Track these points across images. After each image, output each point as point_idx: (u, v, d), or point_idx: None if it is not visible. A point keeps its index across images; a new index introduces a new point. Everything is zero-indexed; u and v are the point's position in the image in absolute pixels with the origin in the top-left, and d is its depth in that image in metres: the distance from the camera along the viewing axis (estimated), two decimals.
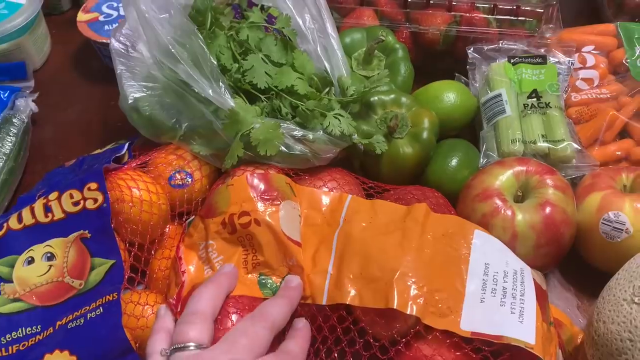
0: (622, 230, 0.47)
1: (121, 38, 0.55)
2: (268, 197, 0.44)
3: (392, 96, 0.56)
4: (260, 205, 0.44)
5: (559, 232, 0.47)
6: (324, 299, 0.42)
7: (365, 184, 0.52)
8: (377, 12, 0.66)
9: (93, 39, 0.67)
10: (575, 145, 0.54)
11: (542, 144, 0.54)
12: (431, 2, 0.63)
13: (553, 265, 0.50)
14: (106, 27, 0.67)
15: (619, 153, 0.57)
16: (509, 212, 0.47)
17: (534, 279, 0.44)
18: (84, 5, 0.70)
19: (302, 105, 0.51)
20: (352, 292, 0.41)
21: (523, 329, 0.39)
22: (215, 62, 0.50)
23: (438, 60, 0.67)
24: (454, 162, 0.55)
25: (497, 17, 0.63)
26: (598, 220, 0.48)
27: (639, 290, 0.38)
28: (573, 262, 0.52)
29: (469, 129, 0.62)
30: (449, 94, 0.60)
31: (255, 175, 0.45)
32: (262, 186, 0.45)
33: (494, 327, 0.39)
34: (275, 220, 0.43)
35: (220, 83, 0.49)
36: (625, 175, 0.51)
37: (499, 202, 0.48)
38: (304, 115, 0.51)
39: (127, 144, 0.52)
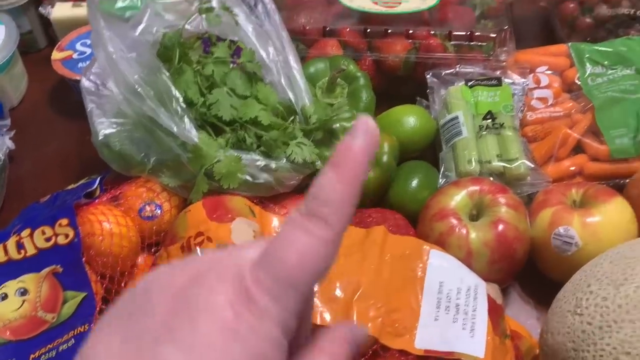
0: (572, 243, 0.49)
1: (91, 77, 0.58)
2: (222, 217, 0.46)
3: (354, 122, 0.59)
4: (213, 225, 0.46)
5: (511, 248, 0.49)
6: None
7: None
8: (340, 42, 0.68)
9: (67, 77, 0.69)
10: (529, 163, 0.56)
11: (497, 163, 0.56)
12: (390, 31, 0.66)
13: (509, 280, 0.52)
14: (80, 64, 0.70)
15: (573, 168, 0.59)
16: (463, 231, 0.50)
17: (488, 294, 0.46)
18: (59, 43, 0.73)
19: (266, 135, 0.54)
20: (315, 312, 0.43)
21: (473, 343, 0.41)
22: (181, 98, 0.53)
23: (400, 85, 0.69)
24: (414, 183, 0.58)
25: (453, 42, 0.65)
26: (550, 235, 0.50)
27: (582, 302, 0.40)
28: (532, 275, 0.54)
29: (430, 150, 0.64)
30: (409, 118, 0.62)
31: (211, 199, 0.48)
32: (217, 209, 0.47)
33: (446, 344, 0.41)
34: (225, 233, 0.45)
35: (185, 118, 0.51)
36: (575, 191, 0.53)
37: (454, 221, 0.50)
38: (268, 144, 0.54)
39: (98, 179, 0.54)
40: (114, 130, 0.55)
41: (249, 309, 0.19)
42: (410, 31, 0.66)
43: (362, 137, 0.21)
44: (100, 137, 0.54)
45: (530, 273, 0.54)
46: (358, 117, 0.21)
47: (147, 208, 0.53)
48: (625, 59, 0.65)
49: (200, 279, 0.20)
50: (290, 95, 0.59)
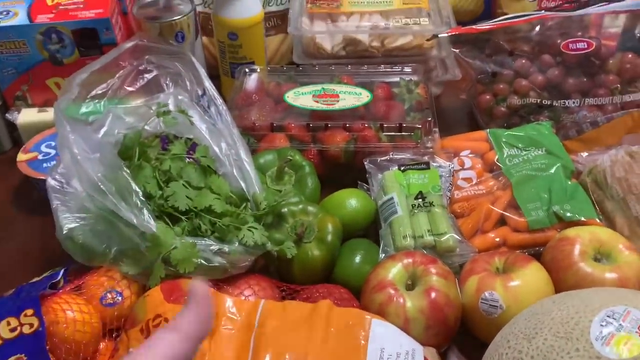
0: (497, 306, 0.55)
1: (57, 176, 0.63)
2: (178, 299, 0.50)
3: (301, 206, 0.65)
4: (170, 307, 0.50)
5: (443, 313, 0.55)
6: None
7: (280, 287, 0.59)
8: (287, 136, 0.76)
9: (32, 176, 0.74)
10: (456, 237, 0.63)
11: (429, 238, 0.63)
12: (330, 125, 0.75)
13: (445, 343, 0.57)
14: (45, 164, 0.75)
15: (498, 239, 0.66)
16: (400, 300, 0.55)
17: (425, 357, 0.51)
18: (25, 146, 0.78)
19: (219, 221, 0.59)
20: None
21: None
22: (141, 192, 0.58)
23: (342, 171, 0.77)
24: (357, 259, 0.63)
25: (385, 133, 0.74)
26: (478, 299, 0.56)
27: (502, 357, 0.46)
28: (469, 338, 0.59)
29: (373, 228, 0.71)
30: (351, 200, 0.69)
31: (168, 283, 0.52)
32: (174, 292, 0.51)
33: None
34: None
35: (144, 210, 0.57)
36: (498, 259, 0.60)
37: (392, 291, 0.56)
38: (222, 230, 0.59)
39: (62, 271, 0.58)
40: (77, 224, 0.59)
41: None
42: (348, 124, 0.75)
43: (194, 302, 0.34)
44: (65, 231, 0.58)
45: (467, 336, 0.59)
46: (192, 284, 0.35)
47: (109, 295, 0.56)
48: (536, 141, 0.74)
49: None
50: (242, 185, 0.65)
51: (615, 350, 0.41)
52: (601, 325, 0.42)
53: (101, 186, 0.57)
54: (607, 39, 0.84)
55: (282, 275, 0.63)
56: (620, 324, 0.42)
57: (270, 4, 0.94)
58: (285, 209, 0.64)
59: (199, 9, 0.93)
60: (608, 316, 0.43)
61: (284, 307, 0.54)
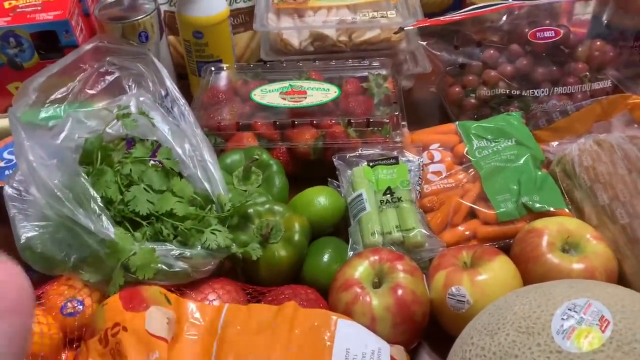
0: (464, 301, 0.55)
1: (14, 184, 0.61)
2: (137, 307, 0.49)
3: (267, 206, 0.64)
4: (128, 315, 0.49)
5: (410, 311, 0.54)
6: None
7: (246, 289, 0.58)
8: (255, 135, 0.75)
9: None
10: (424, 232, 0.62)
11: (397, 234, 0.62)
12: (297, 122, 0.74)
13: (414, 340, 0.57)
14: (7, 172, 0.73)
15: (467, 233, 0.65)
16: (367, 298, 0.54)
17: (392, 356, 0.50)
18: None
19: (181, 225, 0.58)
20: None
21: None
22: (99, 198, 0.57)
23: (312, 168, 0.76)
24: (325, 258, 0.62)
25: (354, 129, 0.73)
26: (445, 295, 0.56)
27: (466, 354, 0.45)
28: (439, 334, 0.58)
29: (343, 225, 0.70)
30: (319, 198, 0.68)
31: (127, 291, 0.51)
32: (133, 299, 0.50)
33: None
34: (140, 322, 0.48)
35: (103, 216, 0.55)
36: (466, 253, 0.59)
37: (358, 290, 0.55)
38: (184, 234, 0.58)
39: None
40: (36, 233, 0.58)
41: None
42: (316, 121, 0.73)
43: None
44: (23, 240, 0.57)
45: (438, 332, 0.58)
46: None
47: (69, 305, 0.55)
48: (505, 132, 0.73)
49: None
50: (207, 186, 0.64)
51: (576, 344, 0.40)
52: (562, 318, 0.42)
53: (58, 193, 0.55)
54: (577, 27, 0.83)
55: (249, 277, 0.62)
56: (581, 317, 0.42)
57: (237, 1, 0.92)
58: (251, 210, 0.63)
59: (165, 7, 0.92)
60: (569, 309, 0.42)
61: (249, 311, 0.53)
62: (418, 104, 0.89)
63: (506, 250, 0.62)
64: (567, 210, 0.64)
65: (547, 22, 0.79)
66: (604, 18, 0.80)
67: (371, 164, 0.70)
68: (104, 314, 0.50)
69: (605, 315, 0.41)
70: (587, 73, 0.78)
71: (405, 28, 0.79)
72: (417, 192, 0.70)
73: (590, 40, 0.80)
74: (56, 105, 0.70)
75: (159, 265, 0.54)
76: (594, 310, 0.42)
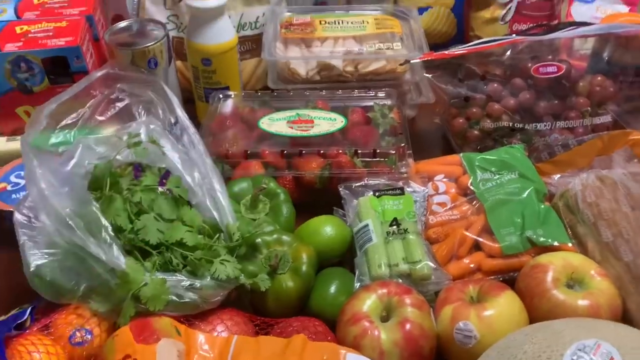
0: (472, 337, 0.55)
1: (24, 210, 0.61)
2: (148, 339, 0.49)
3: (275, 236, 0.64)
4: (139, 347, 0.49)
5: (418, 345, 0.54)
6: None
7: (254, 321, 0.59)
8: (262, 163, 0.76)
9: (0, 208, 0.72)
10: (431, 264, 0.63)
11: (404, 266, 0.63)
12: (304, 151, 0.74)
13: None
14: (13, 195, 0.73)
15: (472, 266, 0.66)
16: (375, 333, 0.55)
17: None
18: None
19: (191, 255, 0.58)
20: None
21: None
22: (110, 226, 0.57)
23: (318, 197, 0.76)
24: (332, 289, 0.63)
25: (360, 159, 0.74)
26: (452, 329, 0.56)
27: None
28: None
29: (349, 255, 0.70)
30: (326, 228, 0.69)
31: (138, 322, 0.51)
32: (143, 331, 0.50)
33: None
34: (151, 354, 0.48)
35: (114, 246, 0.56)
36: (472, 287, 0.60)
37: (366, 323, 0.55)
38: (194, 264, 0.58)
39: (29, 309, 0.56)
40: (45, 260, 0.58)
41: None
42: (322, 151, 0.74)
43: None
44: (32, 268, 0.57)
45: None
46: None
47: (78, 334, 0.55)
48: (508, 165, 0.74)
49: None
50: (215, 215, 0.64)
51: None
52: (572, 359, 0.43)
53: (69, 221, 0.56)
54: (578, 60, 0.85)
55: (256, 307, 0.62)
56: (591, 358, 0.42)
57: (244, 28, 0.93)
58: (259, 240, 0.64)
59: (173, 33, 0.93)
60: (579, 350, 0.43)
61: (258, 343, 0.53)
62: (421, 133, 0.90)
63: (511, 283, 0.63)
64: (570, 244, 0.65)
65: (549, 57, 0.81)
66: (605, 55, 0.83)
67: (377, 194, 0.71)
68: (115, 346, 0.50)
69: (615, 356, 0.42)
70: (589, 108, 0.80)
71: (411, 61, 0.81)
72: (423, 223, 0.70)
73: (591, 75, 0.82)
74: (66, 130, 0.70)
75: (169, 296, 0.54)
76: (603, 351, 0.43)
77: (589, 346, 0.43)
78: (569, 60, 0.82)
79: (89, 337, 0.55)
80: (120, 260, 0.55)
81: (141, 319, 0.53)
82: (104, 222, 0.57)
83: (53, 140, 0.70)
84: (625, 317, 0.58)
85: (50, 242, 0.59)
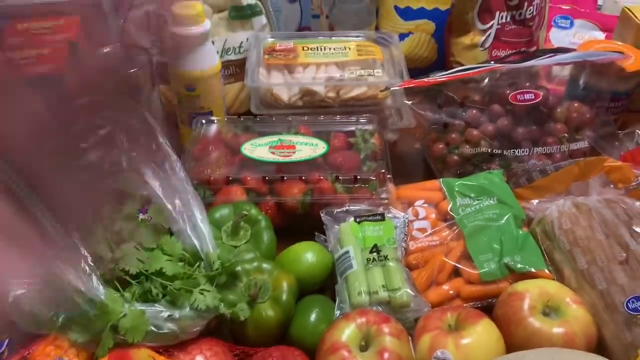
0: None
1: None
2: None
3: (255, 264, 0.65)
4: None
5: None
6: None
7: (234, 350, 0.59)
8: (244, 188, 0.76)
9: None
10: (410, 292, 0.63)
11: (383, 294, 0.63)
12: (286, 177, 0.75)
13: None
14: None
15: (452, 292, 0.67)
16: None
17: None
18: None
19: (170, 285, 0.58)
20: None
21: None
22: (90, 257, 0.57)
23: (300, 222, 0.77)
24: (312, 317, 0.63)
25: (341, 184, 0.75)
26: (430, 358, 0.57)
27: None
28: None
29: (332, 281, 0.71)
30: (307, 254, 0.69)
31: (116, 353, 0.51)
32: None
33: None
34: None
35: (93, 276, 0.56)
36: (450, 315, 0.60)
37: (345, 353, 0.56)
38: (173, 293, 0.58)
39: (6, 341, 0.56)
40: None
41: None
42: (304, 177, 0.75)
43: None
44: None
45: None
46: None
47: None
48: (487, 190, 0.76)
49: None
50: (196, 243, 0.65)
51: None
52: None
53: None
54: (556, 85, 0.87)
55: (236, 336, 0.62)
56: None
57: (228, 53, 0.94)
58: (239, 268, 0.64)
59: (157, 58, 0.93)
60: None
61: None
62: (402, 157, 0.91)
63: (489, 309, 0.64)
64: (547, 271, 0.66)
65: (527, 84, 0.83)
66: (581, 81, 0.84)
67: (358, 220, 0.72)
68: None
69: None
70: (566, 134, 0.82)
71: (391, 88, 0.82)
72: (403, 248, 0.71)
73: (568, 101, 0.84)
74: None
75: (149, 327, 0.54)
76: None
77: None
78: (547, 86, 0.84)
79: None
80: (100, 290, 0.55)
81: (120, 350, 0.53)
82: (84, 252, 0.57)
83: None
84: (599, 345, 0.59)
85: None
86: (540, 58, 0.85)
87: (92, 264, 0.57)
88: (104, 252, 0.60)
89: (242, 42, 0.94)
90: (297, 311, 0.64)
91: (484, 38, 0.98)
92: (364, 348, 0.57)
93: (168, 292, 0.58)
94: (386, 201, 0.74)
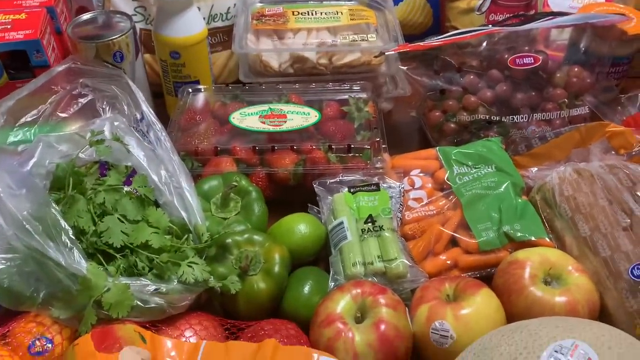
0: (448, 336, 0.54)
1: None
2: (110, 347, 0.47)
3: (246, 236, 0.62)
4: (101, 356, 0.46)
5: (393, 346, 0.53)
6: None
7: (224, 325, 0.57)
8: (234, 159, 0.73)
9: None
10: (407, 262, 0.61)
11: (379, 264, 0.61)
12: (277, 147, 0.72)
13: None
14: None
15: (449, 262, 0.65)
16: (349, 334, 0.53)
17: None
18: None
19: (157, 258, 0.56)
20: None
21: None
22: (71, 230, 0.54)
23: (292, 194, 0.74)
24: (306, 289, 0.61)
25: (335, 154, 0.72)
26: (428, 329, 0.55)
27: None
28: None
29: (325, 253, 0.68)
30: (300, 226, 0.67)
31: (100, 330, 0.49)
32: (106, 339, 0.48)
33: None
34: None
35: (74, 250, 0.53)
36: (448, 285, 0.58)
37: (340, 325, 0.54)
38: (160, 267, 0.56)
39: None
40: (3, 266, 0.55)
41: None
42: (296, 146, 0.72)
43: None
44: None
45: None
46: None
47: (37, 343, 0.52)
48: (485, 158, 0.73)
49: None
50: (184, 215, 0.62)
51: None
52: None
53: (27, 225, 0.53)
54: (555, 50, 0.84)
55: (227, 310, 0.60)
56: (567, 359, 0.41)
57: (215, 20, 0.91)
58: (229, 240, 0.61)
59: (141, 25, 0.90)
60: (556, 351, 0.42)
61: (227, 348, 0.51)
62: (398, 126, 0.89)
63: (488, 279, 0.62)
64: (548, 239, 0.64)
65: (526, 48, 0.80)
66: (582, 45, 0.81)
67: (352, 191, 0.69)
68: (75, 355, 0.47)
69: (592, 357, 0.41)
70: (566, 99, 0.79)
71: (386, 53, 0.79)
72: (399, 219, 0.69)
73: (568, 66, 0.81)
74: (26, 128, 0.67)
75: (134, 301, 0.52)
76: (580, 352, 0.41)
77: (565, 347, 0.42)
78: (546, 50, 0.81)
79: (50, 346, 0.52)
80: (81, 264, 0.52)
81: (103, 326, 0.50)
82: (64, 225, 0.54)
83: (12, 138, 0.67)
84: (602, 313, 0.57)
85: (8, 247, 0.56)
86: (540, 21, 0.81)
87: (74, 237, 0.54)
88: (87, 225, 0.57)
89: (229, 8, 0.90)
90: (290, 283, 0.62)
91: (480, 2, 0.94)
92: (359, 320, 0.55)
93: (154, 265, 0.56)
94: (381, 171, 0.72)
